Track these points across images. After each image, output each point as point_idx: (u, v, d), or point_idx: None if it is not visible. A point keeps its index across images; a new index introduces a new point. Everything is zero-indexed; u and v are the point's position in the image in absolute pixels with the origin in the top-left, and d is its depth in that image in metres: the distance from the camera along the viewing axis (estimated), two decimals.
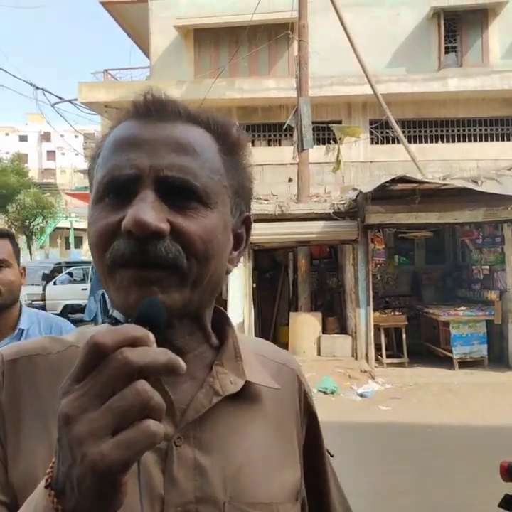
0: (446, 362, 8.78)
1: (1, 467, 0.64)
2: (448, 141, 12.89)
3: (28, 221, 27.05)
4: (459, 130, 12.91)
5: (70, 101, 14.39)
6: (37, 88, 13.76)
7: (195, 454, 0.65)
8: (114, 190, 0.65)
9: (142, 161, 0.64)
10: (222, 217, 0.68)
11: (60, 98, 14.41)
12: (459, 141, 12.88)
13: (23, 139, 58.78)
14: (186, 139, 0.67)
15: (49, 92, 14.08)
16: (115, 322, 0.54)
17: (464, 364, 8.60)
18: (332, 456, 2.79)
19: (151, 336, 0.48)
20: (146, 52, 15.83)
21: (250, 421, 0.71)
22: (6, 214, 26.11)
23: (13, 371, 0.68)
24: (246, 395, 0.71)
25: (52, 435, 0.63)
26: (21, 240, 28.12)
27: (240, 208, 0.73)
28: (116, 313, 0.54)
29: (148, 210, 0.61)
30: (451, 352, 8.71)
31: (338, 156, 10.65)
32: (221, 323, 0.77)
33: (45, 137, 58.10)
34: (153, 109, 0.67)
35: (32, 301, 14.81)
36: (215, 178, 0.68)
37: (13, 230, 26.06)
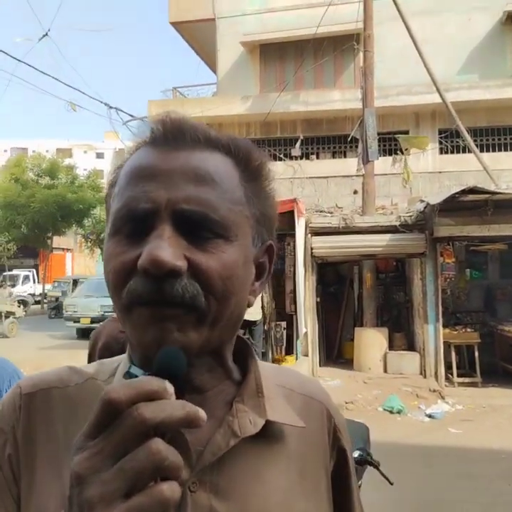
0: None
1: (14, 504, 0.64)
2: None
3: (102, 235, 28.24)
4: None
5: (141, 119, 14.95)
6: (110, 107, 14.41)
7: (211, 500, 0.61)
8: (130, 224, 0.62)
9: (159, 194, 0.61)
10: (243, 249, 0.65)
11: (132, 116, 15.02)
12: None
13: (99, 155, 61.73)
14: (205, 168, 0.63)
15: (122, 111, 14.72)
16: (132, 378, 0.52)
17: None
18: (391, 484, 2.63)
19: (169, 387, 0.46)
20: (213, 68, 16.20)
21: (271, 463, 0.67)
22: (82, 228, 27.40)
23: (30, 405, 0.67)
24: (267, 434, 0.66)
25: (64, 480, 0.62)
26: (96, 253, 29.41)
27: (262, 237, 0.69)
28: (134, 369, 0.52)
29: (165, 248, 0.58)
30: None
31: (405, 167, 10.38)
32: (244, 354, 0.73)
33: (120, 154, 60.70)
34: (170, 136, 0.64)
35: (105, 312, 15.40)
36: (236, 209, 0.64)
37: (89, 244, 27.26)
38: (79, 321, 15.64)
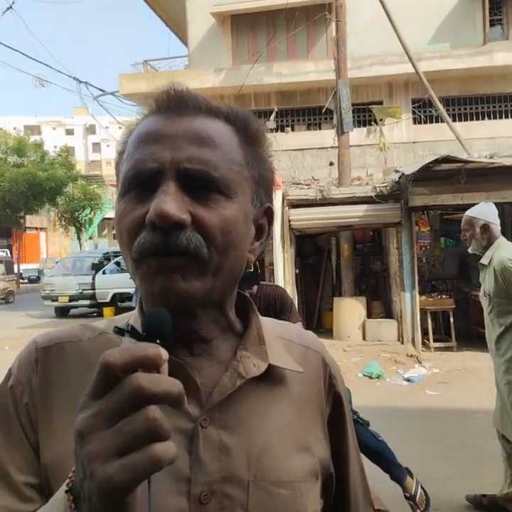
0: None
1: (31, 451, 0.68)
2: (495, 118, 12.42)
3: (76, 213, 27.82)
4: (506, 106, 12.41)
5: (111, 93, 14.66)
6: (80, 82, 14.08)
7: (221, 435, 0.68)
8: (138, 184, 0.67)
9: (164, 155, 0.66)
10: (243, 207, 0.70)
11: (102, 91, 14.71)
12: (506, 117, 12.39)
13: (69, 132, 60.28)
14: (206, 131, 0.69)
15: (91, 86, 14.39)
16: (120, 333, 0.55)
17: None
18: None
19: (164, 354, 0.49)
20: (184, 41, 15.90)
21: (274, 403, 0.73)
22: (55, 206, 26.93)
23: (46, 358, 0.72)
24: (270, 377, 0.73)
25: None
26: (71, 231, 29.01)
27: (261, 199, 0.75)
28: (131, 329, 0.55)
29: (169, 202, 0.63)
30: None
31: (380, 137, 10.43)
32: (245, 309, 0.79)
33: (91, 130, 59.39)
34: (174, 104, 0.70)
35: (83, 290, 15.31)
36: (235, 169, 0.69)
37: (63, 222, 26.73)
38: (57, 300, 15.53)
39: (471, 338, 9.35)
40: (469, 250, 3.57)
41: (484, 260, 3.42)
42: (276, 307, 3.15)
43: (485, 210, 3.45)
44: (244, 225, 0.71)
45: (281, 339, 0.80)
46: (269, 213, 0.78)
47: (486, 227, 3.39)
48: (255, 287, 3.27)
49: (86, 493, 0.48)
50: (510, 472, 3.71)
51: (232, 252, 0.68)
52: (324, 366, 0.83)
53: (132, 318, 0.76)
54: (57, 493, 0.55)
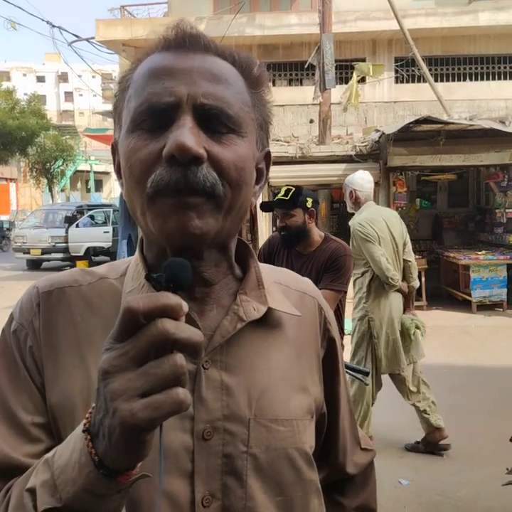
0: (466, 305, 8.82)
1: (37, 392, 0.69)
2: (476, 80, 12.39)
3: (48, 164, 27.12)
4: (488, 68, 12.37)
5: (86, 39, 14.08)
6: (53, 26, 13.49)
7: (222, 375, 0.70)
8: (151, 118, 0.66)
9: (180, 89, 0.66)
10: (252, 147, 0.71)
11: (77, 36, 14.12)
12: (487, 79, 12.37)
13: (40, 79, 58.03)
14: (219, 69, 0.69)
15: (66, 31, 13.82)
16: (151, 280, 0.54)
17: (483, 307, 8.63)
18: (367, 384, 2.91)
19: (184, 306, 0.51)
20: None
21: (272, 345, 0.76)
22: (26, 157, 26.19)
23: (48, 302, 0.73)
24: (269, 321, 0.75)
25: (87, 361, 0.69)
26: (43, 183, 28.33)
27: (263, 142, 0.76)
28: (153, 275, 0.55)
29: (189, 135, 0.63)
30: (470, 295, 8.74)
31: (356, 93, 10.24)
32: (244, 255, 0.80)
33: (63, 78, 57.27)
34: (187, 41, 0.69)
35: (56, 243, 15.10)
36: (246, 109, 0.70)
37: (34, 173, 26.13)
38: (29, 253, 15.30)
39: (441, 297, 9.61)
40: (348, 209, 4.03)
41: (350, 222, 3.88)
42: (330, 263, 2.92)
43: (355, 179, 3.85)
44: (253, 164, 0.72)
45: (278, 285, 0.82)
46: (267, 158, 0.79)
47: (352, 193, 3.83)
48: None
49: (106, 430, 0.50)
50: (418, 412, 4.02)
51: (244, 189, 0.69)
52: (320, 311, 0.86)
53: (132, 262, 0.77)
54: (73, 433, 0.57)
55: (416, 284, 4.02)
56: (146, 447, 0.51)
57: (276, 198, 3.06)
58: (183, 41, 0.69)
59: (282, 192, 3.05)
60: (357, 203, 3.84)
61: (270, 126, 0.78)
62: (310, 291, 0.87)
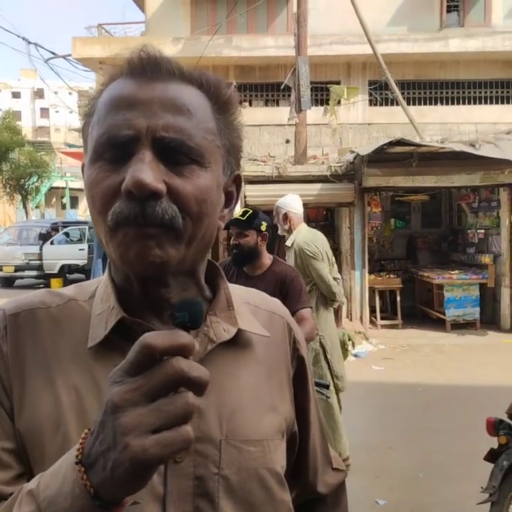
0: (440, 324, 8.95)
1: (6, 417, 0.68)
2: (447, 104, 12.73)
3: (22, 180, 26.76)
4: (458, 92, 12.73)
5: (63, 57, 14.05)
6: (29, 43, 13.44)
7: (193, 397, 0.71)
8: (112, 150, 0.66)
9: (139, 121, 0.65)
10: (216, 176, 0.71)
11: (53, 54, 14.09)
12: (458, 103, 12.72)
13: (16, 95, 57.54)
14: (181, 99, 0.68)
15: (42, 47, 13.84)
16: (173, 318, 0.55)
17: (457, 326, 8.77)
18: (327, 386, 2.94)
19: (196, 345, 0.53)
20: (141, 6, 15.38)
21: (243, 365, 0.76)
22: (0, 173, 25.81)
23: (15, 325, 0.71)
24: (239, 342, 0.76)
25: (55, 385, 0.68)
26: (17, 200, 27.91)
27: (231, 167, 0.76)
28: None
29: (146, 171, 0.63)
30: (444, 314, 8.87)
31: (333, 116, 10.46)
32: (214, 276, 0.80)
33: (39, 94, 56.89)
34: (148, 68, 0.68)
35: (29, 260, 14.85)
36: (209, 138, 0.69)
37: (8, 189, 25.62)
38: (1, 270, 14.99)
39: (416, 316, 9.74)
40: (278, 232, 4.18)
41: (288, 242, 4.00)
42: (285, 287, 3.05)
43: (288, 201, 4.05)
44: (217, 194, 0.72)
45: (247, 305, 0.83)
46: (237, 181, 0.79)
47: (286, 216, 3.98)
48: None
49: (110, 463, 0.50)
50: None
51: (205, 220, 0.69)
52: (289, 331, 0.86)
53: (102, 283, 0.77)
54: (61, 466, 0.55)
55: (344, 300, 4.34)
56: (148, 480, 0.51)
57: (234, 217, 3.16)
58: (145, 68, 0.68)
59: (240, 212, 3.20)
60: (292, 224, 4.00)
61: (241, 148, 0.78)
62: (279, 310, 0.88)
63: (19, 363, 0.70)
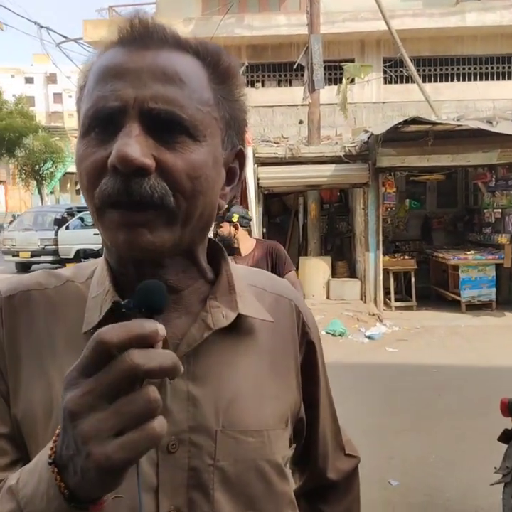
0: (455, 305, 8.86)
1: (3, 401, 0.67)
2: (464, 80, 12.46)
3: (37, 166, 26.93)
4: (475, 68, 12.45)
5: (74, 40, 14.00)
6: (41, 27, 13.39)
7: (188, 386, 0.67)
8: (99, 123, 0.62)
9: (126, 92, 0.61)
10: (212, 151, 0.65)
11: (65, 37, 14.02)
12: (475, 79, 12.45)
13: (29, 80, 57.63)
14: (173, 67, 0.63)
15: (53, 31, 13.70)
16: (119, 308, 0.53)
17: (472, 307, 8.68)
18: None
19: (161, 330, 0.48)
20: None
21: (243, 353, 0.72)
22: (15, 159, 25.99)
23: (10, 307, 0.70)
24: (240, 328, 0.72)
25: (48, 369, 0.66)
26: (32, 185, 28.14)
27: (233, 141, 0.70)
28: (122, 302, 0.54)
29: (132, 145, 0.58)
30: (459, 295, 8.77)
31: (345, 96, 10.28)
32: (216, 256, 0.76)
33: (51, 79, 56.92)
34: (138, 35, 0.64)
35: (45, 245, 14.98)
36: (204, 110, 0.64)
37: (23, 175, 25.91)
38: (18, 255, 15.16)
39: (431, 297, 9.65)
40: None
41: None
42: (272, 256, 3.45)
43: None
44: (214, 170, 0.66)
45: (253, 287, 0.79)
46: (240, 156, 0.73)
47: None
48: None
49: (79, 469, 0.48)
50: None
51: (200, 198, 0.64)
52: (297, 314, 0.82)
53: (99, 265, 0.74)
54: (37, 460, 0.54)
55: None
56: (122, 480, 0.49)
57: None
58: (135, 36, 0.64)
59: None
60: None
61: (244, 121, 0.72)
62: (286, 293, 0.83)
63: (14, 346, 0.68)
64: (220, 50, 0.69)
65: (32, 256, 15.05)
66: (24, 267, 15.58)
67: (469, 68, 12.48)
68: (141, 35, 0.64)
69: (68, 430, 0.47)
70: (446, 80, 12.48)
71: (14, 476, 0.56)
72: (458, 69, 12.50)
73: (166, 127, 0.61)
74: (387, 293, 9.01)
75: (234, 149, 0.71)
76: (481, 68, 12.46)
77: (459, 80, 12.49)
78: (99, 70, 0.64)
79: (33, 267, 15.78)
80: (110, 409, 0.46)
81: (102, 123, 0.62)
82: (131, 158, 0.58)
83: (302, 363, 0.81)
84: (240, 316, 0.71)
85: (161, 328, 0.48)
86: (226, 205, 0.73)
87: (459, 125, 7.98)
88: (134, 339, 0.46)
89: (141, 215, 0.61)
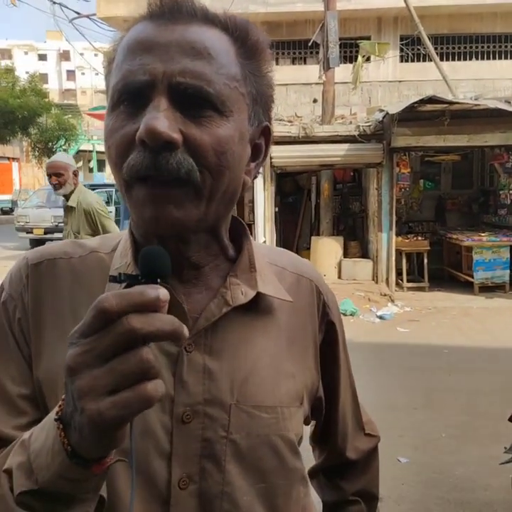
0: (467, 287, 8.82)
1: (25, 363, 0.69)
2: (483, 59, 12.22)
3: (50, 143, 26.99)
4: (494, 46, 12.20)
5: (87, 16, 13.90)
6: (54, 2, 13.30)
7: (205, 359, 0.68)
8: (128, 97, 0.63)
9: (155, 66, 0.61)
10: (239, 126, 0.66)
11: (78, 13, 13.93)
12: (494, 58, 12.21)
13: (42, 57, 57.43)
14: (201, 41, 0.63)
15: (66, 7, 13.60)
16: (119, 279, 0.52)
17: (485, 289, 8.63)
18: None
19: (163, 296, 0.48)
20: None
21: (261, 331, 0.73)
22: (28, 136, 26.06)
23: (36, 274, 0.72)
24: (259, 306, 0.73)
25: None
26: (45, 162, 28.22)
27: (259, 117, 0.70)
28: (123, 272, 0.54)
29: (160, 119, 0.59)
30: (472, 277, 8.73)
31: (357, 71, 10.11)
32: (239, 234, 0.77)
33: (65, 56, 56.67)
34: (167, 9, 0.64)
35: (58, 223, 15.09)
36: (232, 85, 0.64)
37: (36, 153, 26.07)
38: (32, 232, 15.32)
39: (443, 279, 9.61)
40: (59, 193, 4.16)
41: (72, 203, 4.05)
42: None
43: (71, 159, 4.17)
44: (240, 146, 0.66)
45: (274, 266, 0.79)
46: (266, 133, 0.73)
47: (75, 173, 4.07)
48: None
49: (76, 425, 0.49)
50: None
51: (226, 174, 0.64)
52: (318, 294, 0.82)
53: (123, 238, 0.75)
54: (47, 419, 0.56)
55: None
56: (119, 439, 0.50)
57: None
58: (165, 10, 0.64)
59: None
60: (76, 183, 4.09)
61: (271, 98, 0.72)
62: (308, 273, 0.83)
63: (39, 313, 0.70)
64: (249, 25, 0.69)
65: (45, 233, 15.19)
66: (38, 244, 15.70)
67: (488, 47, 12.22)
68: (170, 10, 0.64)
69: (68, 386, 0.49)
70: (464, 59, 12.25)
71: (29, 431, 0.58)
72: (476, 47, 12.25)
73: (194, 102, 0.62)
74: (399, 274, 8.98)
75: (260, 125, 0.71)
76: (500, 47, 12.21)
77: (477, 58, 12.26)
78: (128, 44, 0.65)
79: (47, 243, 15.93)
80: (105, 368, 0.47)
81: (130, 97, 0.62)
82: (159, 132, 0.58)
83: (322, 343, 0.82)
84: (259, 295, 0.72)
85: (163, 294, 0.48)
86: (251, 182, 0.73)
87: (476, 105, 7.86)
88: (134, 306, 0.47)
89: (168, 191, 0.61)
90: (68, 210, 4.12)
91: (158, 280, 0.50)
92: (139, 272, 0.52)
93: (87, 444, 0.50)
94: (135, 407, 0.47)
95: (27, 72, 29.72)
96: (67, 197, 4.09)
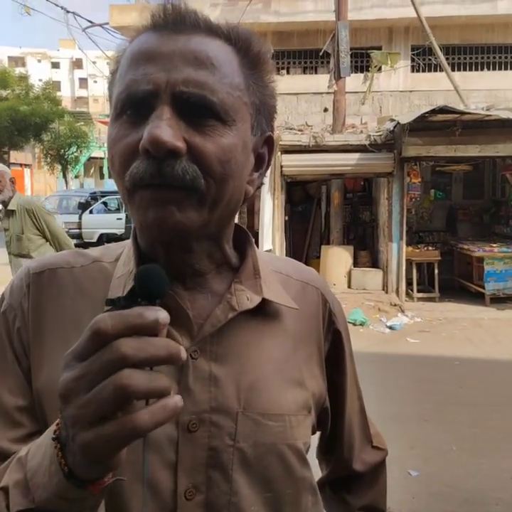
0: (478, 298, 8.75)
1: (22, 375, 0.68)
2: (494, 69, 12.20)
3: (62, 150, 27.24)
4: (506, 57, 12.18)
5: (100, 25, 14.04)
6: (68, 12, 13.45)
7: (211, 366, 0.68)
8: (131, 107, 0.63)
9: (158, 76, 0.61)
10: (242, 135, 0.66)
11: (91, 22, 14.08)
12: (505, 68, 12.18)
13: (55, 65, 58.07)
14: (204, 51, 0.63)
15: (80, 16, 13.77)
16: (118, 303, 0.49)
17: (496, 300, 8.56)
18: None
19: (161, 318, 0.46)
20: None
21: (267, 337, 0.73)
22: (41, 143, 26.32)
23: (38, 284, 0.71)
24: (265, 312, 0.72)
25: (71, 345, 0.69)
26: (57, 169, 28.47)
27: (262, 127, 0.70)
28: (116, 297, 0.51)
29: (164, 128, 0.59)
30: (483, 288, 8.66)
31: (370, 83, 10.13)
32: (242, 242, 0.77)
33: (77, 64, 57.26)
34: (170, 20, 0.65)
35: (69, 229, 15.19)
36: (235, 94, 0.65)
37: (48, 160, 26.29)
38: None
39: (454, 289, 9.54)
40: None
41: (12, 206, 4.18)
42: None
43: (5, 167, 4.33)
44: (243, 155, 0.67)
45: (278, 274, 0.79)
46: (269, 142, 0.73)
47: (12, 180, 4.23)
48: None
49: (70, 449, 0.49)
50: None
51: (230, 182, 0.65)
52: (324, 303, 0.82)
53: (126, 247, 0.75)
54: (44, 436, 0.55)
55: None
56: (114, 464, 0.48)
57: None
58: (168, 20, 0.65)
59: None
60: (13, 189, 4.22)
61: (274, 108, 0.72)
62: (314, 281, 0.83)
63: (39, 323, 0.70)
64: (251, 36, 0.69)
65: None
66: None
67: (500, 57, 12.21)
68: (173, 20, 0.65)
69: (61, 412, 0.48)
70: (476, 69, 12.24)
71: (26, 447, 0.57)
72: (488, 58, 12.24)
73: (197, 111, 0.62)
74: (409, 284, 8.93)
75: (263, 135, 0.71)
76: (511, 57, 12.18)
77: (488, 68, 12.24)
78: (131, 54, 0.65)
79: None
80: (88, 396, 0.45)
81: (134, 106, 0.63)
82: (163, 141, 0.58)
83: (328, 352, 0.81)
84: (264, 301, 0.71)
85: (162, 317, 0.46)
86: (253, 191, 0.73)
87: (487, 115, 7.83)
88: (132, 329, 0.45)
89: (171, 193, 0.61)
90: (8, 214, 4.24)
91: (157, 301, 0.48)
92: (122, 300, 0.49)
93: (82, 468, 0.49)
94: (120, 440, 0.45)
95: (40, 80, 30.07)
96: (6, 204, 4.24)
